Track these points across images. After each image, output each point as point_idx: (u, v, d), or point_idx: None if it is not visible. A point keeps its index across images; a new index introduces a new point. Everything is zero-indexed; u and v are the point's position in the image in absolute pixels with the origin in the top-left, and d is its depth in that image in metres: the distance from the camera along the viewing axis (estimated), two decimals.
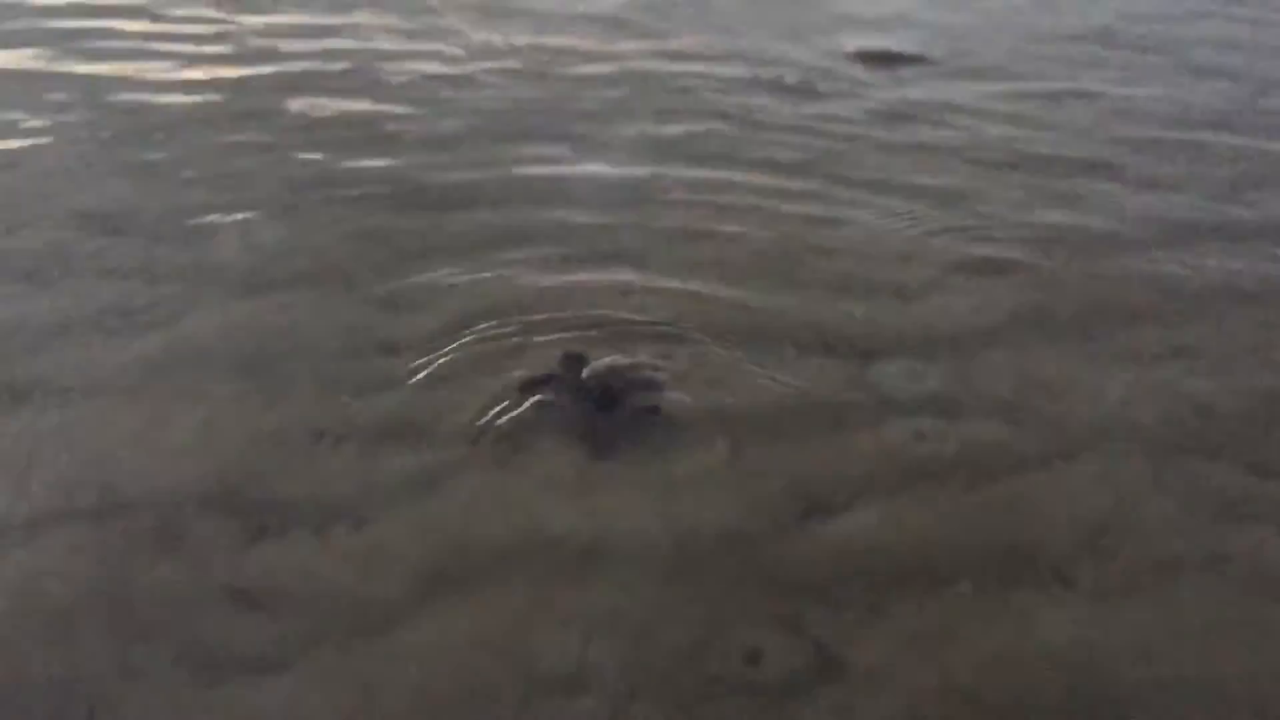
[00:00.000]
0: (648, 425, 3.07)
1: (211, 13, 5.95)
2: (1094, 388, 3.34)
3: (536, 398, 3.16)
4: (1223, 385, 3.36)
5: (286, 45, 5.52)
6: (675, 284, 3.76)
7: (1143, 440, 3.09)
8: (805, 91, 5.27)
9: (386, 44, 5.56)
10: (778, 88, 5.28)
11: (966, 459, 2.99)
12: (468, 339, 3.43)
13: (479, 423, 3.07)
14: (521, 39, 5.71)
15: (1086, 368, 3.43)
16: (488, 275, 3.78)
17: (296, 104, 4.82)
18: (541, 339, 3.44)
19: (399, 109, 4.89)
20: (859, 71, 5.52)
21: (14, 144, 4.42)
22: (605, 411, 3.12)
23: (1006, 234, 4.21)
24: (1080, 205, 4.46)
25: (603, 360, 3.32)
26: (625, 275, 3.79)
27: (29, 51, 5.35)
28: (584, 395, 3.17)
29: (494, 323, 3.50)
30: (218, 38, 5.61)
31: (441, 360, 3.35)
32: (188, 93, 4.88)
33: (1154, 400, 3.29)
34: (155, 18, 5.82)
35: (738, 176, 4.50)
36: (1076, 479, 2.94)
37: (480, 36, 5.65)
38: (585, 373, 3.26)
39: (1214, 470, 2.97)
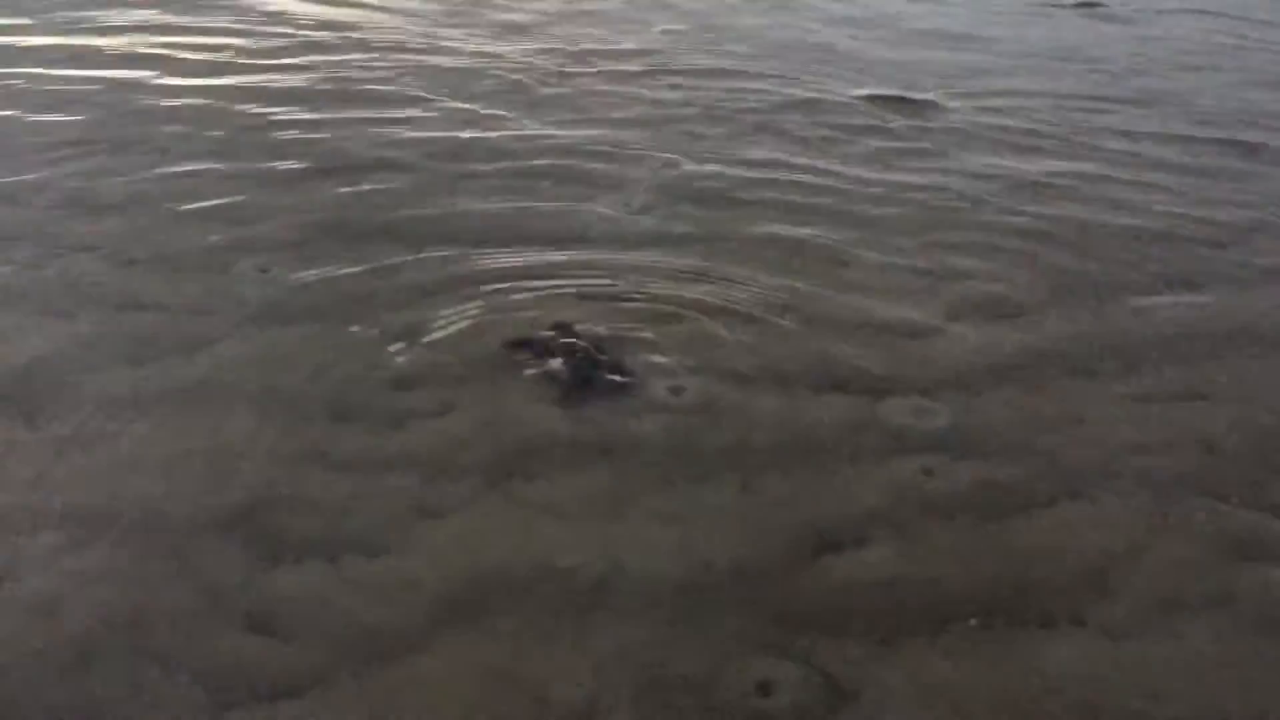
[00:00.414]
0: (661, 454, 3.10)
1: (231, 47, 6.04)
2: (1103, 426, 3.36)
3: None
4: (1231, 425, 3.38)
5: (295, 76, 5.60)
6: (685, 325, 3.80)
7: (1151, 479, 3.11)
8: (815, 135, 5.33)
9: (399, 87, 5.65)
10: (786, 129, 5.34)
11: (975, 496, 3.01)
12: (483, 371, 3.47)
13: (492, 452, 3.10)
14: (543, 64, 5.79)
15: (1095, 406, 3.45)
16: (503, 313, 3.82)
17: (315, 136, 4.89)
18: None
19: (417, 150, 4.95)
20: (870, 115, 5.58)
21: (31, 176, 4.49)
22: (582, 381, 3.40)
23: (1013, 274, 4.25)
24: (1085, 247, 4.50)
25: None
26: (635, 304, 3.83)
27: (38, 71, 5.43)
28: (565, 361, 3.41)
29: (510, 356, 3.54)
30: (234, 67, 5.69)
31: (455, 390, 3.38)
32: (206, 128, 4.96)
33: (1162, 439, 3.31)
34: (170, 30, 5.90)
35: (743, 216, 4.55)
36: (1085, 517, 2.95)
37: (496, 54, 5.74)
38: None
39: (1222, 509, 2.99)
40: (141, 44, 6.07)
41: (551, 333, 3.61)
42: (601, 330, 3.68)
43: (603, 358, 3.52)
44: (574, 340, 3.56)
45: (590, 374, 3.46)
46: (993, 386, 3.53)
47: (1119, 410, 3.45)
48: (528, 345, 3.58)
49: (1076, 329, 3.91)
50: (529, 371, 3.48)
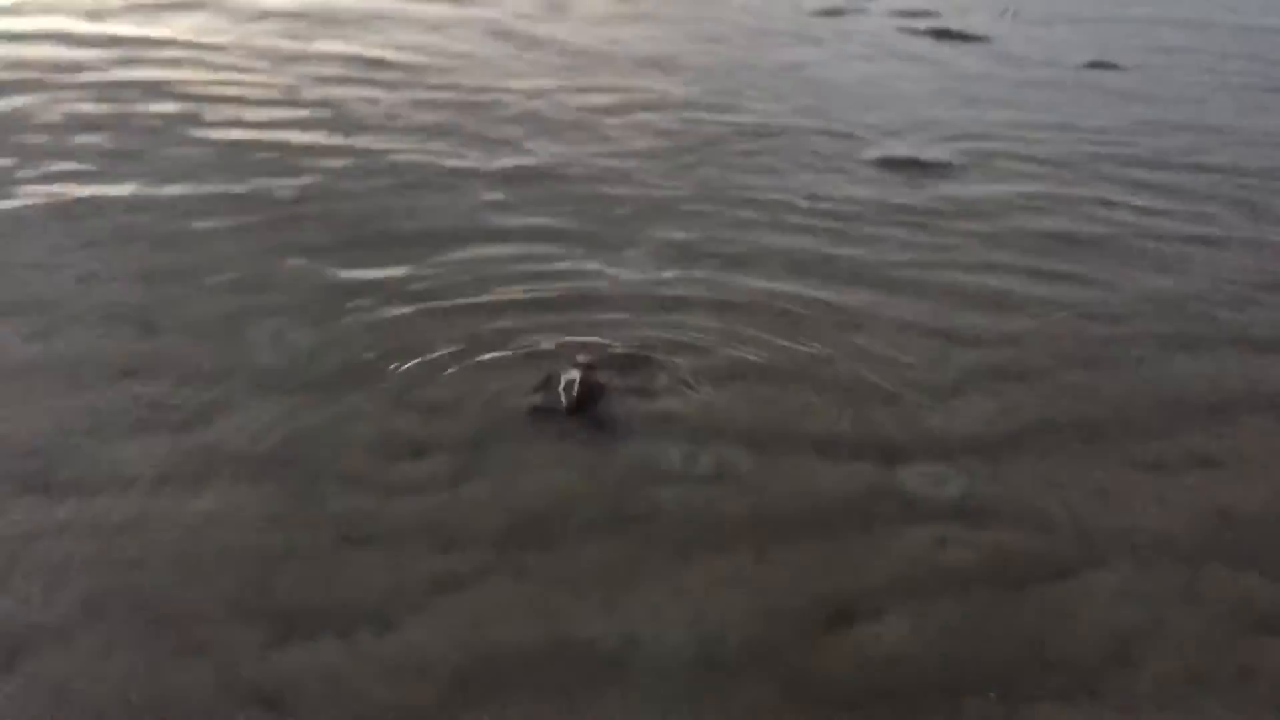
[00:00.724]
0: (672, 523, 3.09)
1: (250, 115, 6.11)
2: (1120, 495, 3.34)
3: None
4: (1249, 494, 3.35)
5: (310, 159, 5.66)
6: (700, 391, 3.80)
7: (1170, 549, 3.08)
8: (827, 196, 5.36)
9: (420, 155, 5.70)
10: (802, 189, 5.36)
11: (992, 566, 2.99)
12: (496, 438, 3.48)
13: (505, 522, 3.10)
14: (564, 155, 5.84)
15: (1112, 475, 3.43)
16: (515, 374, 3.83)
17: (322, 206, 4.94)
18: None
19: (437, 216, 4.99)
20: (883, 177, 5.61)
21: (45, 245, 4.53)
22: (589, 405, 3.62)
23: (1028, 340, 4.24)
24: (1097, 311, 4.50)
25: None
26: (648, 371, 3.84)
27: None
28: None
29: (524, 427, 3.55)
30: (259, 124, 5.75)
31: (468, 457, 3.39)
32: (223, 207, 5.01)
33: (1181, 508, 3.29)
34: (192, 96, 5.97)
35: (758, 281, 4.56)
36: (1103, 588, 2.93)
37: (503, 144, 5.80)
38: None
39: (1242, 580, 2.96)
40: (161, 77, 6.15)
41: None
42: (614, 395, 3.69)
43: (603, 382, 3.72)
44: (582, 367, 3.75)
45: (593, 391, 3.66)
46: (1008, 453, 3.52)
47: (1135, 477, 3.43)
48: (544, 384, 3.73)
49: (1090, 394, 3.89)
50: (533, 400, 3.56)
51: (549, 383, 3.72)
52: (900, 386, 3.89)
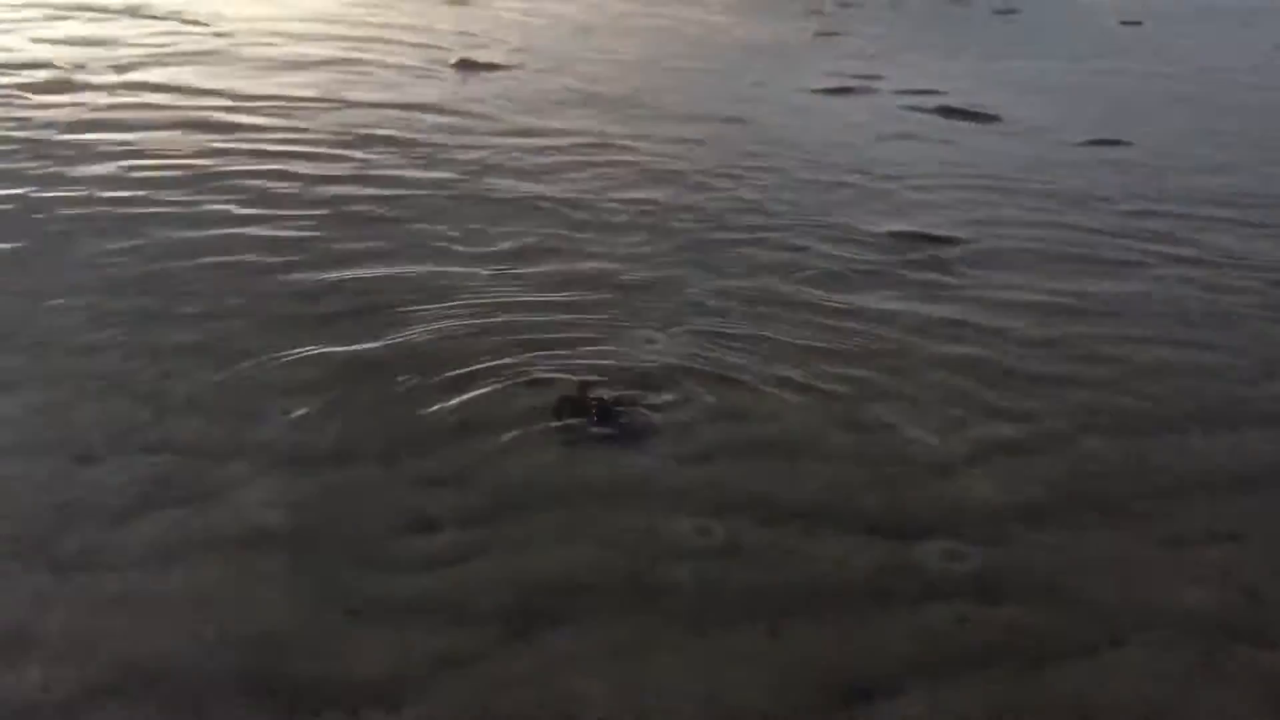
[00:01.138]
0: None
1: (280, 186, 6.16)
2: (1140, 570, 3.28)
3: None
4: (1272, 569, 3.29)
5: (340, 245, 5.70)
6: (714, 463, 3.77)
7: (1193, 627, 3.02)
8: (839, 270, 5.37)
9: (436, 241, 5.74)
10: (811, 264, 5.38)
11: (1011, 644, 2.93)
12: (506, 513, 3.45)
13: (515, 597, 3.05)
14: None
15: (1131, 549, 3.38)
16: (522, 451, 3.81)
17: (338, 275, 4.96)
18: (593, 526, 3.44)
19: (450, 292, 5.01)
20: (893, 250, 5.62)
21: (60, 320, 4.55)
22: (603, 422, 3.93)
23: (1042, 412, 4.21)
24: (1115, 383, 4.46)
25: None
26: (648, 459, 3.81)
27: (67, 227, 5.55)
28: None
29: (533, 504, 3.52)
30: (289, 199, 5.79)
31: (479, 532, 3.36)
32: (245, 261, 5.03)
33: (1202, 584, 3.23)
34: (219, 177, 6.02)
35: (768, 350, 4.55)
36: (1125, 666, 2.86)
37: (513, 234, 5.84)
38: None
39: (1269, 659, 2.89)
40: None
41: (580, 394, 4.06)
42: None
43: (619, 409, 4.00)
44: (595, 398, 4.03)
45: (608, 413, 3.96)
46: (1026, 527, 3.47)
47: (1156, 552, 3.38)
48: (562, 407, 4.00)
49: (1109, 468, 3.85)
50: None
51: (563, 405, 4.00)
52: (914, 458, 3.85)
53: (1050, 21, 12.25)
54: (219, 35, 9.28)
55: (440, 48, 9.25)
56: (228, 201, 5.77)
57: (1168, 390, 4.44)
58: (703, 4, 12.21)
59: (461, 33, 9.82)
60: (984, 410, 4.20)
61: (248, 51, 8.79)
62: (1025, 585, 3.19)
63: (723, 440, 3.91)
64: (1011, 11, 12.44)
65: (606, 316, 4.76)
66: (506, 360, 4.36)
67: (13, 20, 9.47)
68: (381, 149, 6.68)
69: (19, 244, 5.18)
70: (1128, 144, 7.71)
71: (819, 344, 4.64)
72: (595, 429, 3.93)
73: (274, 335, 4.49)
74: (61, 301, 4.67)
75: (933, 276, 5.38)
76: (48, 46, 8.63)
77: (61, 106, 7.23)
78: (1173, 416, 4.24)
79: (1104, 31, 11.84)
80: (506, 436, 3.87)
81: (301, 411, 3.97)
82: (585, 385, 4.11)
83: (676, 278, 5.02)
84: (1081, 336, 4.85)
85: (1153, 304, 5.21)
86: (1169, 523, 3.53)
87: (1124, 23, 12.17)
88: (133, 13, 9.89)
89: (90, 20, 9.56)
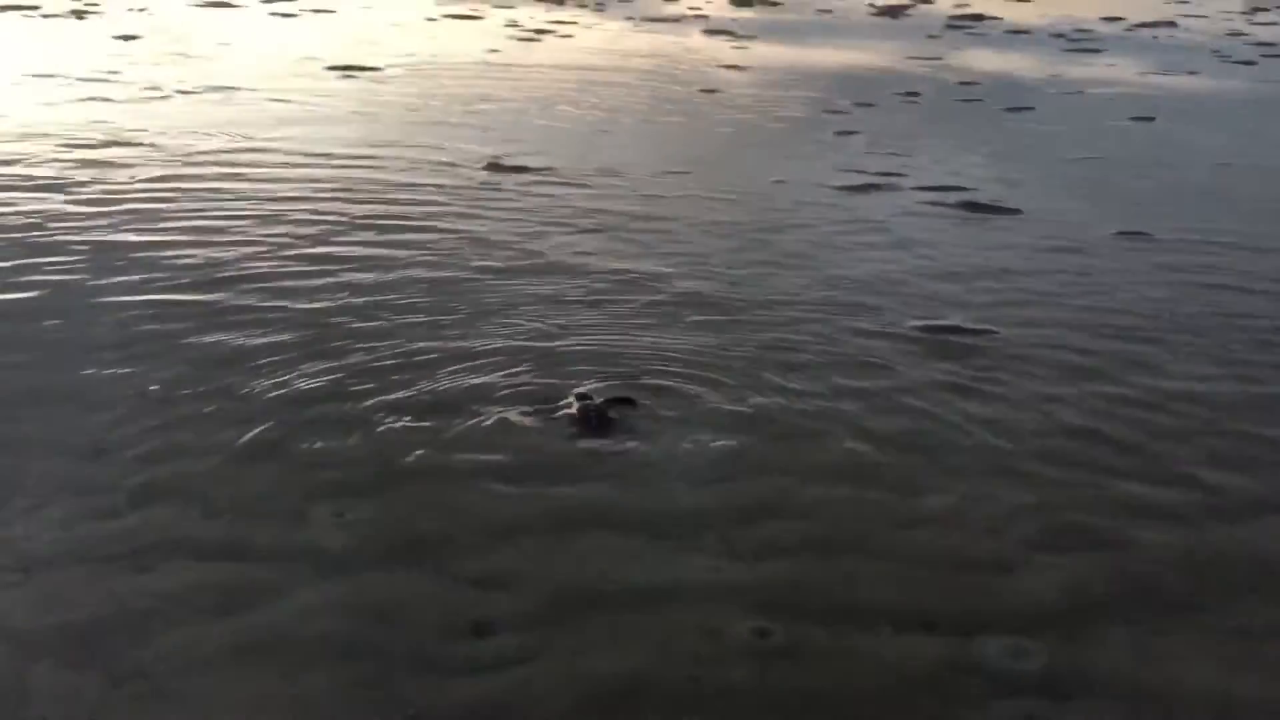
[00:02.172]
0: None
1: (313, 270, 6.21)
2: (1210, 664, 3.23)
3: None
4: None
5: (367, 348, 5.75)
6: (766, 563, 3.75)
7: None
8: (875, 363, 5.38)
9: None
10: (844, 360, 5.39)
11: None
12: (563, 615, 3.43)
13: (574, 703, 3.02)
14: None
15: (1199, 642, 3.33)
16: (576, 550, 3.80)
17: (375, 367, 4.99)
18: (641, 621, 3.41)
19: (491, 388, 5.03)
20: (927, 344, 5.63)
21: (104, 417, 4.57)
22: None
23: (1092, 505, 4.17)
24: (1167, 475, 4.43)
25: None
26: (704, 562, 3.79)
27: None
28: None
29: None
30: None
31: (535, 636, 3.33)
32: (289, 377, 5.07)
33: (1271, 677, 3.17)
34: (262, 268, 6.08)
35: (813, 446, 4.55)
36: None
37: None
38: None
39: None
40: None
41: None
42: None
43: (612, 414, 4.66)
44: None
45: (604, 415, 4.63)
46: (1090, 622, 3.42)
47: (1225, 647, 3.32)
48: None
49: (1170, 559, 3.81)
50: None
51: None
52: (968, 554, 3.82)
53: (1063, 117, 12.42)
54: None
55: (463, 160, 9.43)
56: (246, 312, 5.83)
57: (1224, 478, 4.40)
58: (719, 102, 12.44)
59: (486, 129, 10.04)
60: (1033, 504, 4.16)
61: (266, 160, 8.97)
62: (1095, 683, 3.14)
63: (774, 537, 3.89)
64: (1025, 108, 12.63)
65: (646, 411, 4.77)
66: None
67: None
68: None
69: (57, 356, 5.23)
70: (1152, 236, 7.76)
71: (858, 437, 4.63)
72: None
73: (321, 433, 4.51)
74: (107, 408, 4.71)
75: (968, 370, 5.38)
76: None
77: None
78: (1226, 507, 4.20)
79: (1118, 127, 11.99)
80: (557, 532, 3.87)
81: (354, 513, 3.97)
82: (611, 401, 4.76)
83: (694, 385, 5.05)
84: (1126, 428, 4.83)
85: (1194, 395, 5.20)
86: (1236, 615, 3.48)
87: (1136, 118, 12.33)
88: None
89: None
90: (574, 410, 4.70)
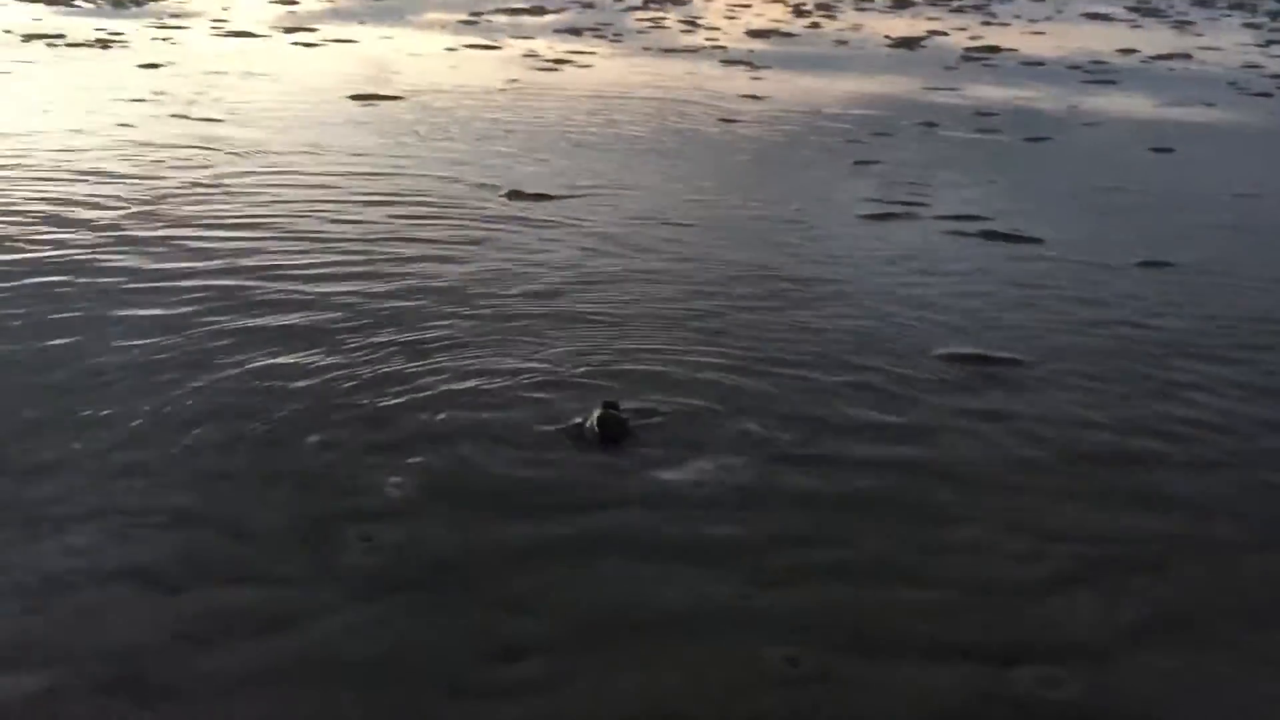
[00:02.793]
0: None
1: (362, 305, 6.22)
2: (1244, 695, 3.20)
3: None
4: None
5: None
6: (794, 589, 3.74)
7: None
8: (898, 392, 5.37)
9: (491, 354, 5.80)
10: (872, 390, 5.39)
11: None
12: (594, 640, 3.42)
13: None
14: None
15: (1235, 675, 3.30)
16: (605, 575, 3.79)
17: (413, 399, 5.00)
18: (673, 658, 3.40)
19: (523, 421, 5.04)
20: (952, 373, 5.63)
21: (127, 440, 4.58)
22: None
23: (1128, 534, 4.15)
24: (1200, 506, 4.40)
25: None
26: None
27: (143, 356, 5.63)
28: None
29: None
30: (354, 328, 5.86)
31: (567, 660, 3.32)
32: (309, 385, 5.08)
33: None
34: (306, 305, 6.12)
35: (840, 475, 4.53)
36: None
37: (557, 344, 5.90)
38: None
39: None
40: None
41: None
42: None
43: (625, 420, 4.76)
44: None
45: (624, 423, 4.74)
46: (1123, 651, 3.40)
47: (1264, 679, 3.29)
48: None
49: (1207, 589, 3.79)
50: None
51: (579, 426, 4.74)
52: (1000, 582, 3.80)
53: (1081, 148, 12.44)
54: (240, 155, 9.54)
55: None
56: (270, 328, 5.86)
57: (1255, 509, 4.38)
58: (737, 131, 12.49)
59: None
60: (1067, 533, 4.15)
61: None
62: (1130, 711, 3.12)
63: (803, 565, 3.88)
64: (1043, 139, 12.65)
65: (666, 419, 4.76)
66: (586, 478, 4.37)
67: None
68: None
69: (80, 391, 5.26)
70: (1174, 266, 7.75)
71: (884, 466, 4.62)
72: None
73: (348, 457, 4.52)
74: (140, 430, 4.72)
75: (994, 399, 5.38)
76: None
77: None
78: (1264, 536, 4.17)
79: (1136, 157, 12.00)
80: (585, 557, 3.87)
81: (382, 536, 3.97)
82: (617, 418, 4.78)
83: (723, 410, 5.05)
84: (1157, 457, 4.81)
85: (1225, 424, 5.18)
86: (1271, 647, 3.45)
87: (1155, 149, 12.33)
88: None
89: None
90: (596, 419, 4.75)
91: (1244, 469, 4.75)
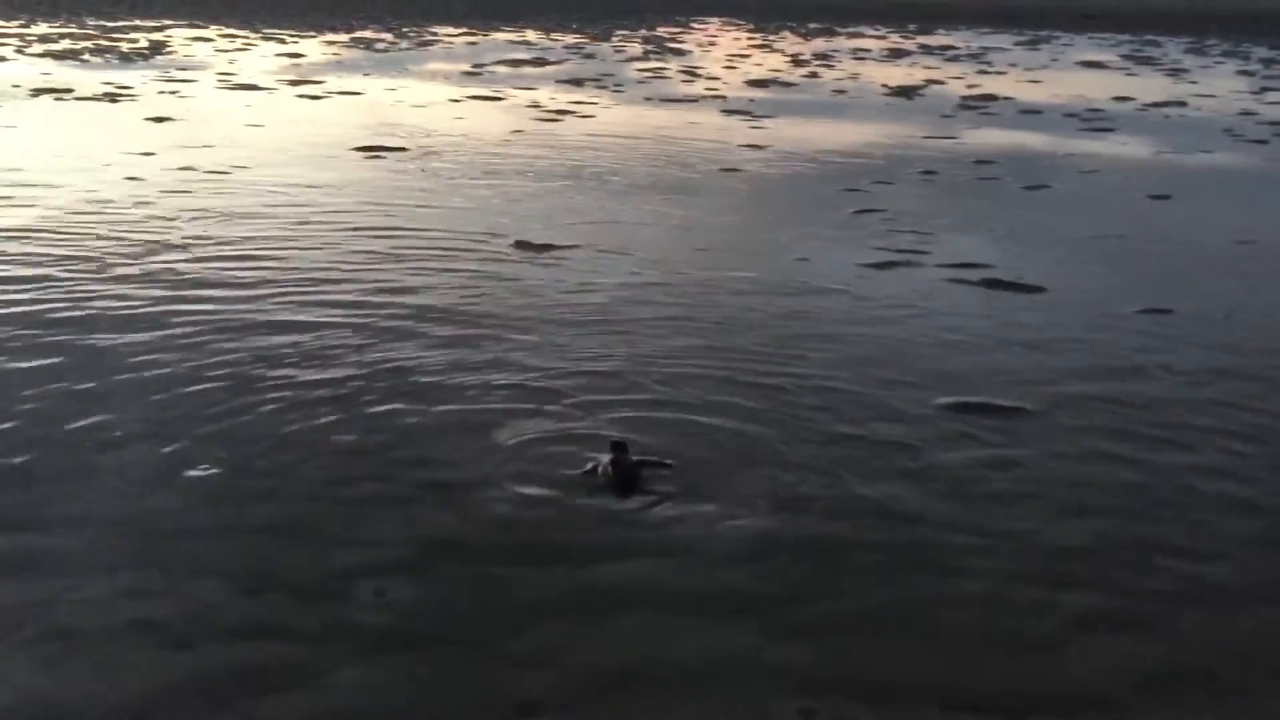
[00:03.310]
0: None
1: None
2: None
3: None
4: None
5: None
6: (812, 639, 3.74)
7: None
8: (907, 441, 5.39)
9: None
10: (875, 438, 5.41)
11: None
12: (606, 691, 3.42)
13: None
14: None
15: None
16: (618, 628, 3.80)
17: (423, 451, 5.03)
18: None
19: (532, 471, 5.06)
20: (958, 423, 5.65)
21: (138, 494, 4.61)
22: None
23: (1135, 588, 4.15)
24: (1211, 557, 4.41)
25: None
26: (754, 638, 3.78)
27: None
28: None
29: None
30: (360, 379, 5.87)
31: (577, 716, 3.33)
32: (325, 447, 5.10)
33: None
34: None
35: (849, 527, 4.55)
36: None
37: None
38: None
39: None
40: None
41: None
42: None
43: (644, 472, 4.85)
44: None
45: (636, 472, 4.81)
46: (1136, 705, 3.41)
47: None
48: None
49: (1213, 640, 3.79)
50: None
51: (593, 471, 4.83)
52: (1012, 634, 3.81)
53: (1080, 195, 12.54)
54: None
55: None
56: (292, 377, 5.90)
57: (1262, 560, 4.39)
58: (739, 180, 12.61)
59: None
60: (1078, 583, 4.15)
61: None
62: None
63: (816, 617, 3.89)
64: (1041, 186, 12.76)
65: (680, 488, 4.79)
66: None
67: None
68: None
69: (99, 441, 5.29)
70: (1176, 313, 7.81)
71: (897, 518, 4.63)
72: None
73: (362, 516, 4.53)
74: (152, 485, 4.75)
75: (1000, 448, 5.39)
76: None
77: None
78: (1273, 588, 4.18)
79: (1135, 204, 12.11)
80: (598, 610, 3.87)
81: (395, 591, 3.98)
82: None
83: (732, 459, 5.09)
84: (1162, 506, 4.83)
85: (1229, 471, 5.20)
86: (1273, 699, 3.45)
87: (1153, 196, 12.44)
88: None
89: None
90: (608, 463, 4.83)
91: (1252, 518, 4.76)
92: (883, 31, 38.14)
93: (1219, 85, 24.75)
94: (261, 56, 23.89)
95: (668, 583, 4.10)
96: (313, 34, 29.23)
